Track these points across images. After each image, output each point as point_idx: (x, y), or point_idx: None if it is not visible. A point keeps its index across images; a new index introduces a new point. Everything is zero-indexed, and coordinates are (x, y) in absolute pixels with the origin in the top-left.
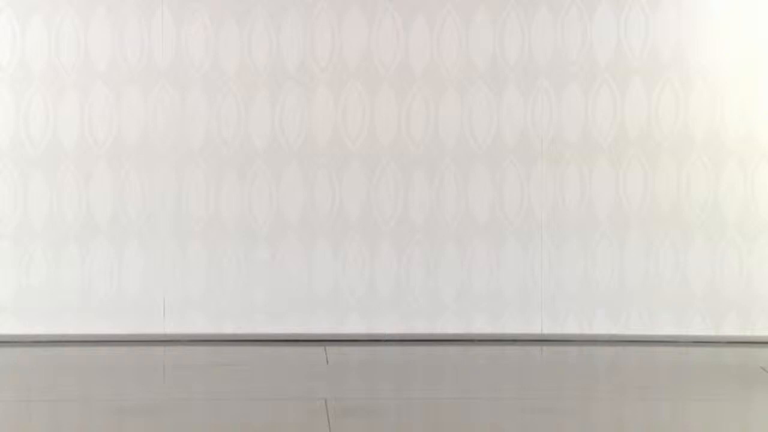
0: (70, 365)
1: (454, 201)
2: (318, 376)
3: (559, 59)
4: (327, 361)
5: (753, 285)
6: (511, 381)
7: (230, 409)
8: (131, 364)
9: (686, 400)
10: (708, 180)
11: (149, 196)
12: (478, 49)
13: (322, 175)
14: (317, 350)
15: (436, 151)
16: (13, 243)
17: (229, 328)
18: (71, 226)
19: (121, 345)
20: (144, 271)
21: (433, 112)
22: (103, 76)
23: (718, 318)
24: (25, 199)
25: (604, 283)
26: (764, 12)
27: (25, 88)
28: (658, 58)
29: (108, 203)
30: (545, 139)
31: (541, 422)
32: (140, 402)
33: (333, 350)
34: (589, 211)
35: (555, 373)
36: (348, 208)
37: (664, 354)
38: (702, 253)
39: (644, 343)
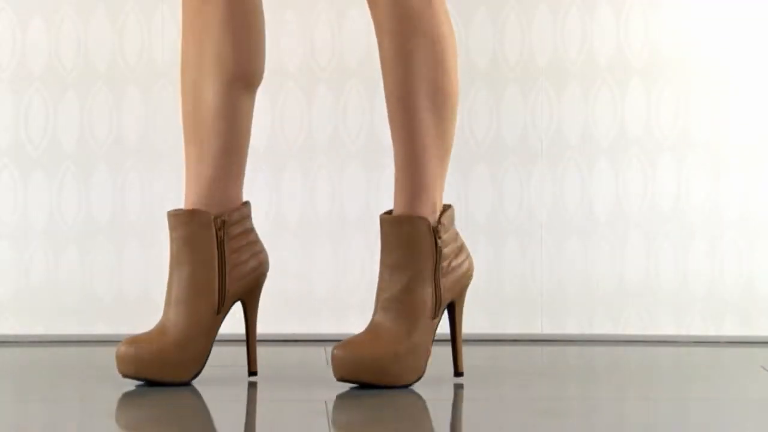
0: (70, 365)
1: (453, 201)
2: (318, 377)
3: (559, 59)
4: (327, 361)
5: (753, 285)
6: (511, 381)
7: (230, 410)
8: None
9: (686, 400)
10: (708, 180)
11: (149, 196)
12: (479, 49)
13: (322, 175)
14: (317, 350)
15: None
16: (13, 243)
17: (228, 328)
18: (71, 226)
19: None
20: (144, 271)
21: None
22: (103, 76)
23: (718, 318)
24: (25, 199)
25: (604, 283)
26: (766, 11)
27: (25, 88)
28: (658, 58)
29: (108, 203)
30: (545, 139)
31: (541, 423)
32: (140, 402)
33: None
34: (589, 211)
35: (555, 373)
36: (348, 208)
37: (664, 354)
38: (702, 253)
39: (644, 343)
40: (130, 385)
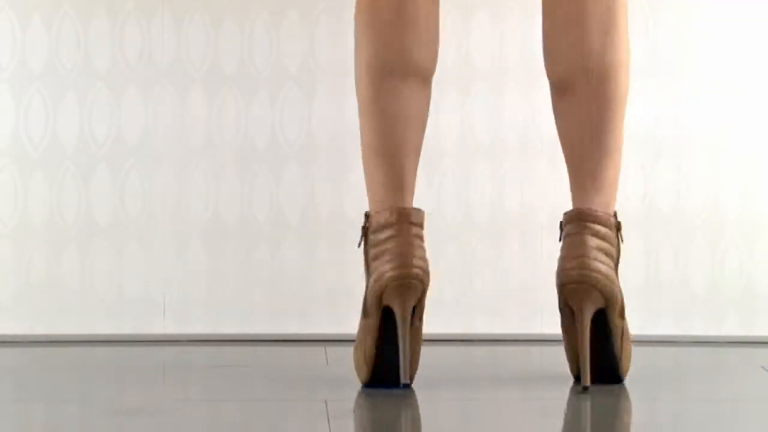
0: (70, 365)
1: (454, 201)
2: (318, 377)
3: None
4: (327, 362)
5: (753, 285)
6: (511, 381)
7: (230, 410)
8: (131, 364)
9: (686, 400)
10: (708, 180)
11: (149, 196)
12: (479, 49)
13: (321, 175)
14: (317, 350)
15: (436, 151)
16: (13, 243)
17: (229, 328)
18: (71, 226)
19: (121, 345)
20: (144, 271)
21: (433, 111)
22: (103, 76)
23: (718, 318)
24: (25, 199)
25: None
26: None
27: (25, 88)
28: (658, 58)
29: (108, 203)
30: (545, 139)
31: (541, 422)
32: (140, 402)
33: (333, 350)
34: None
35: (555, 373)
36: (348, 208)
37: (664, 354)
38: (702, 254)
39: (644, 343)
40: (130, 385)
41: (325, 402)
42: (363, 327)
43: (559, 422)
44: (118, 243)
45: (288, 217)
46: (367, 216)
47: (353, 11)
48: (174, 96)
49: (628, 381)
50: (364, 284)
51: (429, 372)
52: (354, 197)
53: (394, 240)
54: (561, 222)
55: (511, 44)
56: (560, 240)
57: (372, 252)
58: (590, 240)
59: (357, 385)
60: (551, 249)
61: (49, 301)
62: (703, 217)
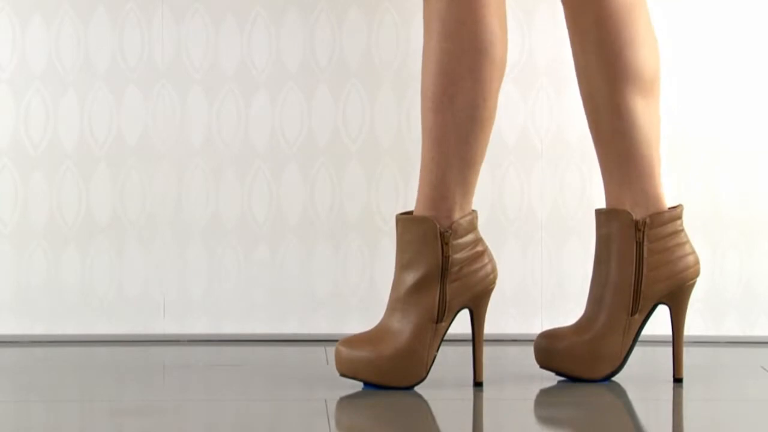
0: (70, 365)
1: None
2: (318, 377)
3: (559, 59)
4: (327, 361)
5: (753, 285)
6: (511, 381)
7: (230, 410)
8: (131, 364)
9: (686, 400)
10: (708, 180)
11: (149, 196)
12: None
13: (321, 175)
14: (317, 350)
15: None
16: (13, 243)
17: (229, 328)
18: (71, 226)
19: (121, 345)
20: (144, 271)
21: None
22: (103, 76)
23: (718, 318)
24: (25, 199)
25: None
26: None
27: (25, 88)
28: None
29: (108, 203)
30: (545, 139)
31: (540, 422)
32: (140, 402)
33: (333, 350)
34: (589, 211)
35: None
36: (348, 208)
37: (665, 354)
38: (702, 254)
39: (645, 343)
40: (130, 385)
41: (325, 402)
42: (427, 330)
43: (559, 422)
44: (118, 243)
45: (288, 217)
46: (430, 219)
47: (354, 10)
48: (174, 96)
49: (629, 381)
50: (362, 284)
51: (441, 373)
52: (354, 197)
53: (482, 244)
54: (643, 220)
55: (511, 45)
56: (640, 239)
57: (461, 255)
58: None
59: (357, 385)
60: (551, 249)
61: (49, 301)
62: (702, 217)
